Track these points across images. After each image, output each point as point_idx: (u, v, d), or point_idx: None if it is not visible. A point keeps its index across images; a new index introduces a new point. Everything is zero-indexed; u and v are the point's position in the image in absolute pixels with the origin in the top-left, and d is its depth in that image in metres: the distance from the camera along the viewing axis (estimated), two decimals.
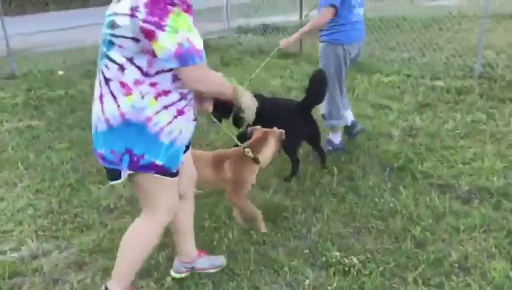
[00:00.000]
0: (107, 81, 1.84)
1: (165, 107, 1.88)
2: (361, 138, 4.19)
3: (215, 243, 2.75)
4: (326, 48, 3.74)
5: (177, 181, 2.08)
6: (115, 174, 1.97)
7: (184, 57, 1.74)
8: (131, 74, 1.80)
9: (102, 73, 1.86)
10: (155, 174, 1.97)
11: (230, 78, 2.10)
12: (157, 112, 1.87)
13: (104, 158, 1.94)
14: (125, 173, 1.95)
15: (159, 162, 1.94)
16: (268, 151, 2.79)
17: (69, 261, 2.65)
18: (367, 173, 3.55)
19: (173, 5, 1.70)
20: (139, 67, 1.80)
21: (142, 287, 2.40)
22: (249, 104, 2.14)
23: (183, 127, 1.98)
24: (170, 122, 1.91)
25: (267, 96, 4.20)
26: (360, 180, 3.43)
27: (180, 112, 1.94)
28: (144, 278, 2.47)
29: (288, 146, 3.36)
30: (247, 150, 2.65)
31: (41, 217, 3.14)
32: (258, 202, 3.06)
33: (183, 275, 2.49)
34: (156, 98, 1.84)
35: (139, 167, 1.93)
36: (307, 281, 2.39)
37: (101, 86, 1.87)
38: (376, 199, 3.15)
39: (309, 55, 7.18)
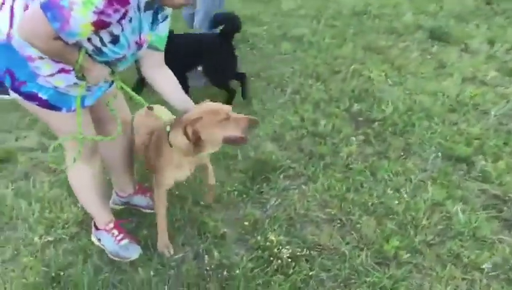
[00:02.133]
0: None
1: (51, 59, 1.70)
2: None
3: None
4: None
5: (74, 115, 1.87)
6: (5, 88, 1.86)
7: (46, 5, 1.48)
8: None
9: None
10: (40, 107, 1.83)
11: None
12: (41, 58, 1.69)
13: None
14: (12, 93, 1.83)
15: (42, 96, 1.80)
16: (211, 137, 1.95)
17: None
18: None
19: None
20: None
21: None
22: (91, 74, 1.76)
23: (70, 86, 1.81)
24: (52, 75, 1.75)
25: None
26: None
27: (65, 70, 1.76)
28: None
29: (219, 80, 3.47)
30: (166, 122, 2.07)
31: None
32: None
33: (118, 207, 2.59)
34: None
35: (20, 92, 1.79)
36: (216, 254, 2.33)
37: None
38: None
39: None
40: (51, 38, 1.52)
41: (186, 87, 3.33)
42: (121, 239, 2.29)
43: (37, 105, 1.84)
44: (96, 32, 1.59)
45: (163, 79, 2.03)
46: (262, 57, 4.77)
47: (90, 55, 1.72)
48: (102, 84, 1.91)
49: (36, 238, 2.45)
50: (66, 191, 2.69)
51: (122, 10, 1.54)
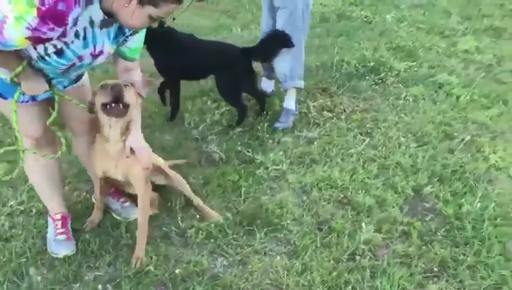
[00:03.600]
0: None
1: None
2: None
3: None
4: None
5: (27, 107, 1.84)
6: None
7: None
8: None
9: None
10: None
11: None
12: None
13: None
14: None
15: None
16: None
17: None
18: None
19: None
20: None
21: None
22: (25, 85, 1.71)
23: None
24: None
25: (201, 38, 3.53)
26: None
27: None
28: None
29: (228, 94, 3.27)
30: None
31: None
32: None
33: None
34: None
35: None
36: None
37: None
38: None
39: None
40: None
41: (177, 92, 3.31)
42: (60, 233, 2.18)
43: None
44: (36, 45, 1.56)
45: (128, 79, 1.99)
46: None
47: (32, 64, 1.67)
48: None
49: None
50: None
51: (60, 29, 1.50)
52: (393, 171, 2.74)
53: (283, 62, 3.17)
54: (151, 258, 2.09)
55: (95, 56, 1.73)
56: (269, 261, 2.12)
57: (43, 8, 1.38)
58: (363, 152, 2.94)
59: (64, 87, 1.95)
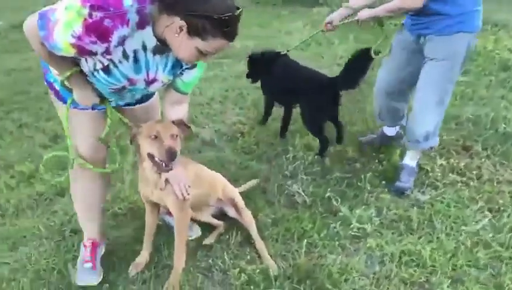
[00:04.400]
0: None
1: None
2: None
3: None
4: (456, 41, 2.44)
5: (82, 116, 1.85)
6: None
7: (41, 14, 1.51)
8: None
9: None
10: (55, 97, 1.86)
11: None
12: None
13: None
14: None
15: (56, 86, 1.82)
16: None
17: None
18: None
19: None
20: None
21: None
22: (75, 94, 1.75)
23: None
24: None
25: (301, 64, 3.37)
26: None
27: None
28: None
29: (310, 123, 3.10)
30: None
31: None
32: None
33: None
34: None
35: (45, 80, 1.86)
36: None
37: None
38: None
39: None
40: (40, 43, 1.56)
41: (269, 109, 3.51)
42: (88, 261, 2.07)
43: (54, 95, 1.88)
44: (81, 54, 1.57)
45: (173, 114, 1.92)
46: None
47: (85, 75, 1.72)
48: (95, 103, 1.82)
49: None
50: None
51: (103, 45, 1.52)
52: (508, 266, 2.09)
53: (427, 118, 2.62)
54: (184, 287, 2.01)
55: (148, 82, 1.75)
56: None
57: (90, 20, 1.44)
58: (480, 233, 2.33)
59: (129, 105, 1.98)
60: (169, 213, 2.28)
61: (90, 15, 1.44)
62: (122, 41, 1.54)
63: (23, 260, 2.17)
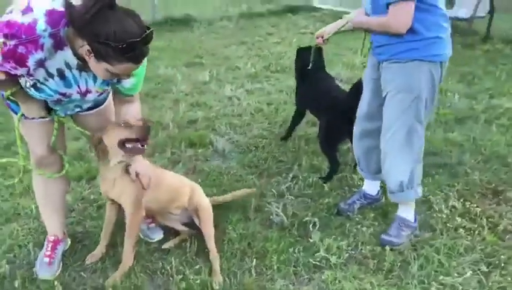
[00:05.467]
0: None
1: None
2: None
3: None
4: (412, 70, 2.16)
5: (32, 126, 1.96)
6: None
7: None
8: None
9: None
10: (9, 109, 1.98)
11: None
12: None
13: None
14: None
15: (7, 100, 1.92)
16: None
17: None
18: None
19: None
20: None
21: None
22: (22, 106, 1.89)
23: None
24: None
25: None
26: None
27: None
28: None
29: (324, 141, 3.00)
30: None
31: None
32: None
33: None
34: None
35: (1, 93, 1.93)
36: None
37: None
38: None
39: None
40: None
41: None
42: (47, 256, 2.20)
43: (8, 107, 1.99)
44: (12, 78, 1.68)
45: (123, 115, 2.04)
46: None
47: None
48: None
49: None
50: None
51: (22, 69, 1.63)
52: None
53: (399, 167, 2.29)
54: (124, 283, 2.08)
55: (83, 94, 1.85)
56: None
57: (5, 49, 1.54)
58: (459, 287, 2.04)
59: (79, 112, 2.06)
60: (149, 222, 2.44)
61: (4, 44, 1.54)
62: (41, 64, 1.64)
63: (4, 235, 2.44)
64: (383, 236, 2.38)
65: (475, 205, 2.65)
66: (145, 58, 1.68)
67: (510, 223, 2.51)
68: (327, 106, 3.02)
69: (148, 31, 1.56)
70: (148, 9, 8.00)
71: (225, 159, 3.29)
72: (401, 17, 2.02)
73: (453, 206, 2.65)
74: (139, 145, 1.96)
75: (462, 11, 6.35)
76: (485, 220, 2.52)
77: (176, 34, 7.45)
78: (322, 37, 2.59)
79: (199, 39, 7.18)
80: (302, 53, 3.30)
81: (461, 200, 2.72)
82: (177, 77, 5.11)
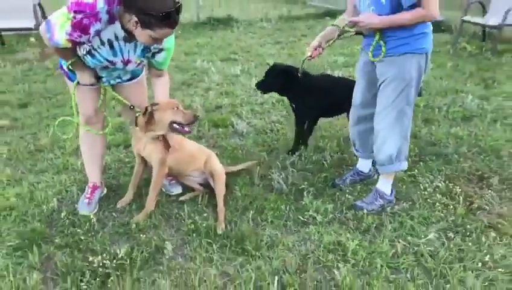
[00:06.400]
0: None
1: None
2: None
3: None
4: (404, 61, 2.50)
5: (84, 92, 2.50)
6: None
7: (46, 21, 2.18)
8: None
9: None
10: (65, 77, 2.56)
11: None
12: None
13: None
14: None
15: (65, 69, 2.48)
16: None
17: None
18: None
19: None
20: None
21: None
22: (78, 75, 2.45)
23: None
24: None
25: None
26: None
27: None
28: None
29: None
30: (137, 110, 2.64)
31: None
32: None
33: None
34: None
35: (60, 65, 2.52)
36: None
37: None
38: None
39: None
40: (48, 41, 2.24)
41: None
42: (87, 197, 2.75)
43: (65, 76, 2.57)
44: (74, 45, 2.24)
45: (157, 85, 2.60)
46: None
47: (80, 59, 2.38)
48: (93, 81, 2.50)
49: None
50: None
51: (86, 36, 2.17)
52: (425, 275, 2.15)
53: (389, 142, 2.65)
54: (145, 223, 2.58)
55: (125, 63, 2.39)
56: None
57: (74, 21, 2.11)
58: (420, 246, 2.39)
59: (120, 82, 2.61)
60: (171, 179, 2.95)
61: (74, 17, 2.10)
62: (98, 33, 2.20)
63: (55, 182, 3.03)
64: (357, 202, 2.79)
65: (458, 187, 2.95)
66: (174, 36, 2.29)
67: (486, 203, 2.80)
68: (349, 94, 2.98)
69: (179, 3, 2.09)
70: (193, 9, 8.66)
71: (242, 138, 3.76)
72: (433, 5, 2.38)
73: (437, 186, 2.97)
74: (185, 129, 2.53)
75: (492, 19, 6.48)
76: (462, 199, 2.82)
77: (216, 33, 8.04)
78: (320, 47, 2.76)
79: (237, 38, 7.73)
80: (281, 68, 3.34)
81: (446, 182, 3.03)
82: (211, 70, 5.66)
